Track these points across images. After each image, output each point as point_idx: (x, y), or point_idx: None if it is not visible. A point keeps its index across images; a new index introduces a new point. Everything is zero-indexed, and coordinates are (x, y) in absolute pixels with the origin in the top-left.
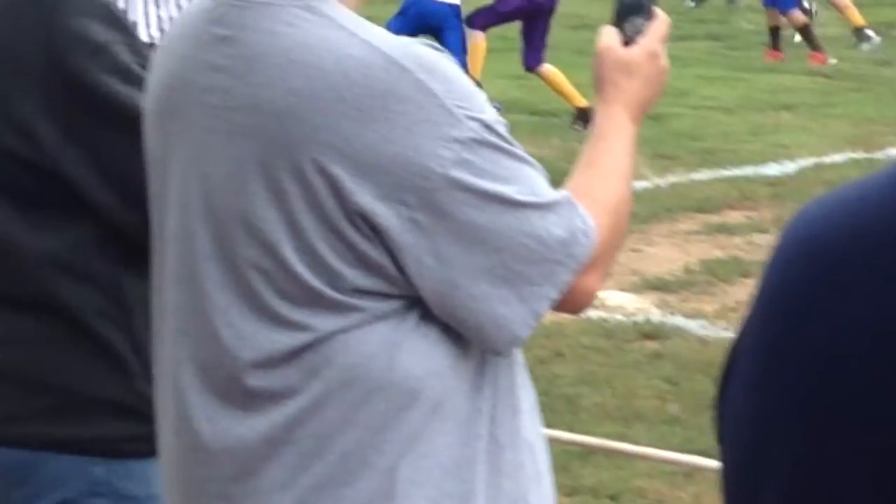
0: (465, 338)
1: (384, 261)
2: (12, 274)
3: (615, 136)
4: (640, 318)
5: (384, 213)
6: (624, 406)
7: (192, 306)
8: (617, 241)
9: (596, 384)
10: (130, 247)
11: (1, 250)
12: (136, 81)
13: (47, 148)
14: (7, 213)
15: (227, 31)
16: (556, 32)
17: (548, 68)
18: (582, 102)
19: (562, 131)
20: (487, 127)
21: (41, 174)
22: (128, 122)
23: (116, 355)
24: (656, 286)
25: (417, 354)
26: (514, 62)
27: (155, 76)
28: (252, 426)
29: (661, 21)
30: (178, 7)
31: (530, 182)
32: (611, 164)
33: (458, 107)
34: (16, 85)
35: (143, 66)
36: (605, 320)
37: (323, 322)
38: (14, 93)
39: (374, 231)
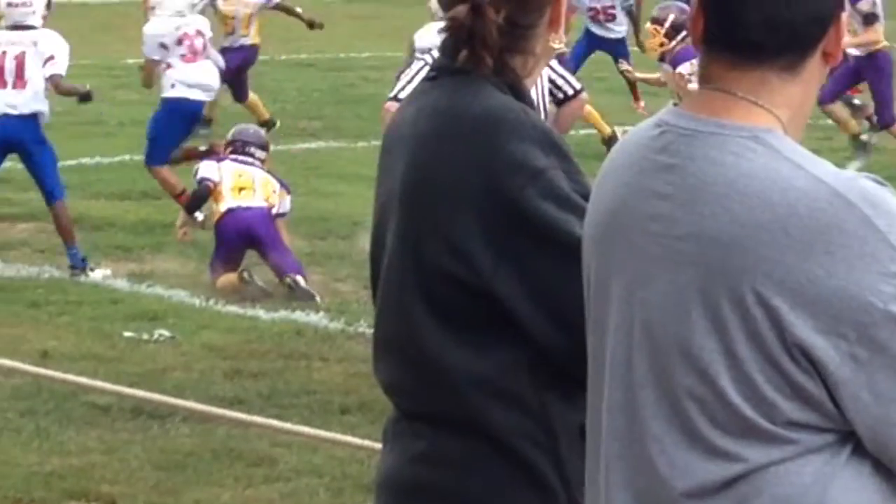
0: None
1: (821, 394)
2: (444, 393)
3: None
4: None
5: (823, 347)
6: None
7: (627, 433)
8: None
9: None
10: (557, 371)
11: (434, 369)
12: (573, 208)
13: (482, 269)
14: (442, 333)
15: (673, 160)
16: None
17: None
18: None
19: None
20: None
21: (475, 295)
22: (562, 248)
23: (542, 480)
24: None
25: (849, 490)
26: None
27: (597, 201)
28: None
29: None
30: None
31: None
32: None
33: None
34: (455, 207)
35: (581, 193)
36: None
37: (757, 454)
38: (453, 215)
39: (812, 364)
